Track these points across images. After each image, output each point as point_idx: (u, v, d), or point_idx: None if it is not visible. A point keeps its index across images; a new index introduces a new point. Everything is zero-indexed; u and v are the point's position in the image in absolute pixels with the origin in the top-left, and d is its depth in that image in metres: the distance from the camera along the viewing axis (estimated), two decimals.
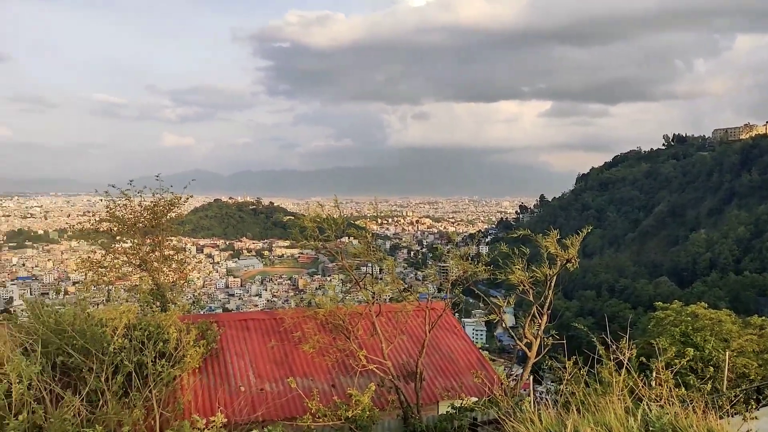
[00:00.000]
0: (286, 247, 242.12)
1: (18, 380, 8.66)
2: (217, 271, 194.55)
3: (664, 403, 6.41)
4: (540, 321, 10.97)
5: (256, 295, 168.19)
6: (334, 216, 11.61)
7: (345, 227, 11.66)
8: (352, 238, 12.75)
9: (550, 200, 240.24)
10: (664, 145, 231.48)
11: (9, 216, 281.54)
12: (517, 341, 11.00)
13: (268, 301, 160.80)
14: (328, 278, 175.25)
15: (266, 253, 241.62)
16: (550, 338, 10.96)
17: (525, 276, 10.81)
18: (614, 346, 8.03)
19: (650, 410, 5.78)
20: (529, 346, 10.96)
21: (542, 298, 10.94)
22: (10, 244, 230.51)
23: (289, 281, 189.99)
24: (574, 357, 9.19)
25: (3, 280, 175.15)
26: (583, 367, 8.40)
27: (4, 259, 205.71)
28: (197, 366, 11.31)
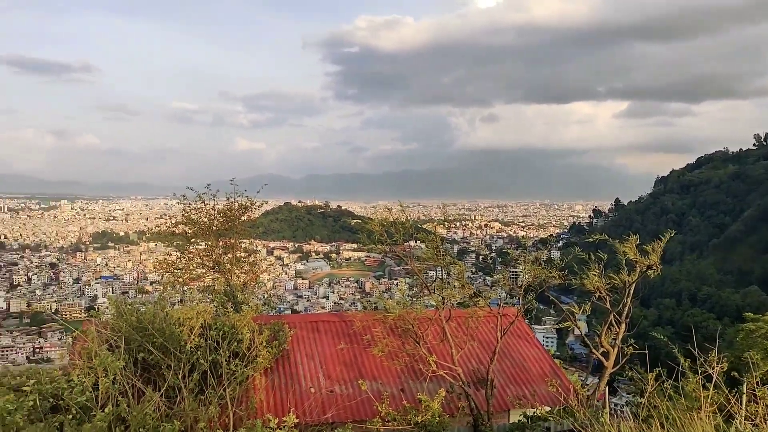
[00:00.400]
0: (353, 250, 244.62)
1: (104, 374, 9.16)
2: (286, 273, 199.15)
3: (760, 422, 6.01)
4: (618, 329, 10.55)
5: (324, 297, 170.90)
6: (402, 220, 11.63)
7: (413, 231, 11.66)
8: (419, 242, 12.74)
9: (625, 204, 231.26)
10: (754, 145, 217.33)
11: (94, 218, 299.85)
12: (593, 350, 10.63)
13: (335, 303, 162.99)
14: (395, 282, 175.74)
15: (334, 255, 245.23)
16: (630, 348, 10.52)
17: (602, 282, 10.42)
18: (702, 359, 7.59)
19: (743, 429, 5.43)
20: (606, 355, 10.56)
21: (620, 306, 10.51)
22: (95, 245, 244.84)
23: (356, 284, 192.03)
24: (655, 369, 8.80)
25: (88, 279, 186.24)
26: (667, 380, 8.00)
27: (89, 259, 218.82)
28: (269, 366, 11.59)
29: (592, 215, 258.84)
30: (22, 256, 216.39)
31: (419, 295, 13.10)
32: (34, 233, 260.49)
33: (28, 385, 8.87)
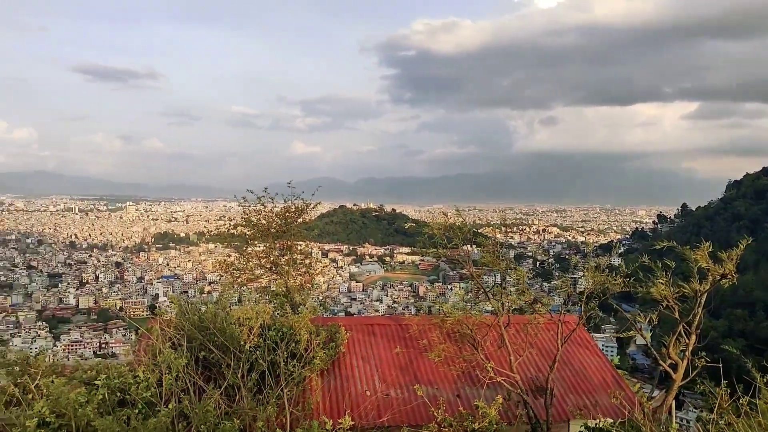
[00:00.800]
0: (407, 254, 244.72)
1: (168, 371, 9.48)
2: (340, 276, 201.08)
3: None
4: (687, 341, 10.11)
5: (377, 300, 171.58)
6: (459, 223, 11.54)
7: (471, 235, 11.55)
8: (476, 247, 12.61)
9: (693, 209, 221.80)
10: None
11: (157, 220, 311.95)
12: (661, 361, 10.22)
13: (388, 306, 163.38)
14: (449, 286, 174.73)
15: (387, 259, 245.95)
16: (701, 360, 10.07)
17: (670, 291, 10.02)
18: None
19: None
20: (674, 367, 10.14)
21: (690, 316, 10.07)
22: (157, 246, 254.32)
23: (409, 288, 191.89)
24: (725, 383, 8.38)
25: (151, 278, 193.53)
26: (743, 396, 7.60)
27: (152, 259, 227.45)
28: (325, 368, 11.72)
29: (657, 221, 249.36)
30: (90, 255, 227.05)
31: (476, 300, 12.96)
32: (101, 233, 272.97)
33: (98, 380, 9.26)
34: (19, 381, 9.39)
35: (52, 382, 8.95)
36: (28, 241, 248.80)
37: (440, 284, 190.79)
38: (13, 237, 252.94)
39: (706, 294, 9.95)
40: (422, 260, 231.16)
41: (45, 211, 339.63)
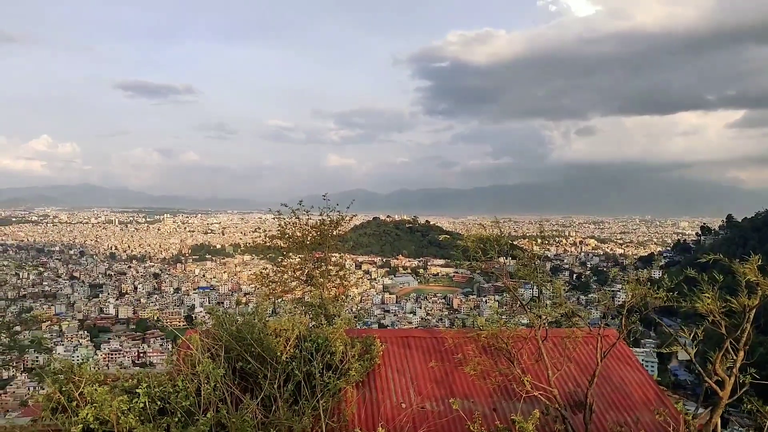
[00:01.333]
0: (441, 266, 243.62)
1: (206, 381, 9.65)
2: (373, 288, 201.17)
3: None
4: (735, 357, 9.79)
5: (411, 313, 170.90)
6: (495, 235, 11.47)
7: (508, 247, 11.47)
8: (512, 259, 12.50)
9: (739, 220, 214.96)
10: None
11: (194, 232, 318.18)
12: (706, 378, 9.92)
13: (422, 318, 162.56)
14: (484, 299, 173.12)
15: (421, 271, 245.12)
16: (749, 377, 9.74)
17: (716, 306, 9.73)
18: None
19: None
20: (721, 384, 9.83)
21: (738, 332, 9.76)
22: (194, 257, 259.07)
23: (443, 300, 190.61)
24: None
25: (187, 289, 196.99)
26: None
27: (188, 270, 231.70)
28: (361, 380, 11.74)
29: (700, 232, 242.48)
30: (129, 266, 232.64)
31: (512, 313, 12.84)
32: (140, 245, 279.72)
33: (139, 388, 9.48)
34: (64, 389, 9.67)
35: (96, 390, 9.22)
36: (71, 252, 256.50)
37: (475, 297, 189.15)
38: (57, 248, 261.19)
39: (755, 309, 9.63)
40: (456, 272, 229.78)
41: (87, 223, 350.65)
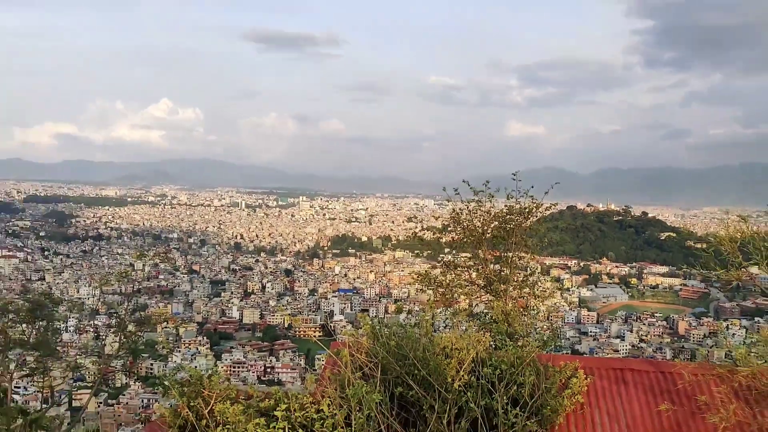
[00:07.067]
0: (663, 275, 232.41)
1: (358, 408, 10.01)
2: (566, 301, 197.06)
3: None
4: None
5: (618, 337, 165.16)
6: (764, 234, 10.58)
7: None
8: None
9: None
10: None
11: (334, 219, 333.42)
12: None
13: (633, 346, 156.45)
14: (725, 323, 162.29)
15: (634, 281, 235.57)
16: None
17: None
18: None
19: None
20: None
21: None
22: (334, 251, 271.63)
23: (664, 322, 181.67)
24: None
25: (325, 291, 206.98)
26: None
27: (326, 268, 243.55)
28: (557, 422, 11.52)
29: None
30: (257, 260, 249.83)
31: None
32: (270, 234, 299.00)
33: (277, 410, 10.10)
34: (192, 404, 10.58)
35: (228, 409, 9.98)
36: (191, 240, 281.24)
37: (710, 320, 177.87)
38: (175, 235, 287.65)
39: None
40: (685, 285, 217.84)
41: (209, 205, 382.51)
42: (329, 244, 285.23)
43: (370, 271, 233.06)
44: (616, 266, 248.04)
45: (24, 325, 19.78)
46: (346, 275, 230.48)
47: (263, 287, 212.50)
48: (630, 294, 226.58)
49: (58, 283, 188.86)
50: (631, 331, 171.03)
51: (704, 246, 12.17)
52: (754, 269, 11.55)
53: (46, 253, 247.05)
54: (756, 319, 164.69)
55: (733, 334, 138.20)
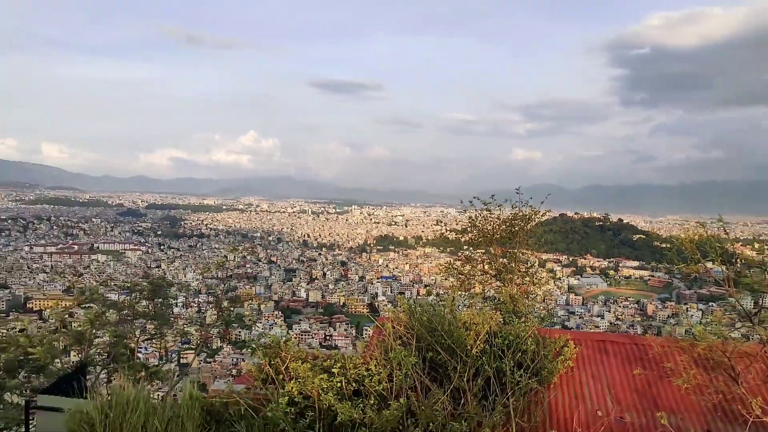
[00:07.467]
0: (635, 268, 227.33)
1: (398, 368, 10.01)
2: (558, 287, 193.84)
3: None
4: None
5: (598, 316, 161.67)
6: (716, 236, 10.29)
7: (733, 252, 10.20)
8: (728, 265, 11.16)
9: None
10: None
11: (378, 223, 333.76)
12: None
13: (610, 323, 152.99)
14: (685, 306, 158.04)
15: (611, 272, 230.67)
16: None
17: None
18: None
19: None
20: None
21: None
22: (378, 247, 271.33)
23: (636, 305, 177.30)
24: None
25: (371, 278, 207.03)
26: None
27: (372, 260, 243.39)
28: (552, 382, 11.34)
29: None
30: (319, 254, 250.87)
31: (731, 325, 11.50)
32: (329, 234, 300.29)
33: (334, 368, 10.14)
34: (272, 362, 10.68)
35: (300, 366, 10.05)
36: (270, 238, 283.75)
37: (673, 303, 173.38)
38: (259, 234, 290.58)
39: None
40: (652, 276, 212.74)
41: (284, 212, 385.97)
42: (374, 242, 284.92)
43: (406, 263, 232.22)
44: (598, 261, 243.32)
45: (146, 301, 20.12)
46: (387, 266, 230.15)
47: (324, 274, 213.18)
48: (608, 282, 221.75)
49: (170, 270, 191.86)
50: (609, 312, 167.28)
51: (668, 246, 11.93)
52: (709, 264, 11.26)
53: (162, 247, 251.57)
54: (710, 303, 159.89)
55: (692, 315, 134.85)
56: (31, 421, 10.11)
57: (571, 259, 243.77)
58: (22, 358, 13.24)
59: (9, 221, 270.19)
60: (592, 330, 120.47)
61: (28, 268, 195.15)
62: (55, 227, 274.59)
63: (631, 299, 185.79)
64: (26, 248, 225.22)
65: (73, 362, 15.08)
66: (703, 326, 11.21)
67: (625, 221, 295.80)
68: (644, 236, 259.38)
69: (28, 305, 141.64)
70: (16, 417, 12.38)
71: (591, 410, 11.02)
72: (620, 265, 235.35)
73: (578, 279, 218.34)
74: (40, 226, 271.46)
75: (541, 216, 18.03)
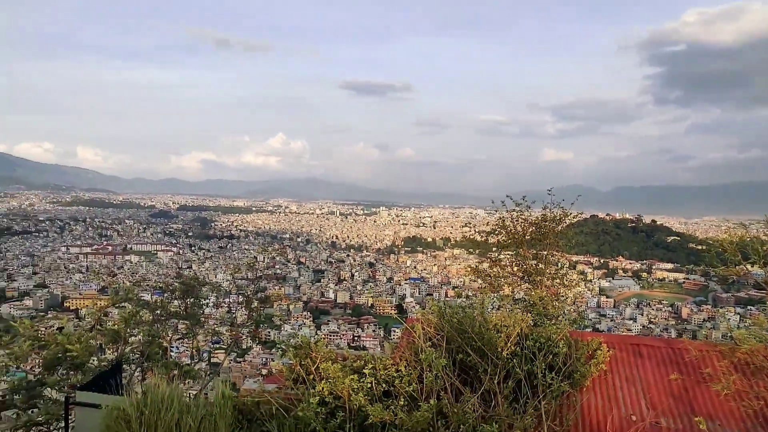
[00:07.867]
0: (669, 270, 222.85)
1: (428, 369, 9.98)
2: (589, 290, 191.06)
3: None
4: None
5: (630, 319, 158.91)
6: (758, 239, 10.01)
7: None
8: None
9: None
10: None
11: (406, 224, 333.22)
12: None
13: (643, 326, 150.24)
14: (722, 309, 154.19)
15: (644, 274, 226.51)
16: None
17: None
18: None
19: None
20: None
21: None
22: (406, 249, 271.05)
23: (669, 308, 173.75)
24: None
25: (399, 279, 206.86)
26: None
27: (400, 261, 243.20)
28: (585, 385, 11.18)
29: None
30: (348, 255, 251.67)
31: None
32: (357, 235, 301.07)
33: (365, 369, 10.16)
34: (303, 362, 10.74)
35: (330, 367, 10.09)
36: (299, 239, 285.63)
37: (709, 307, 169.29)
38: (287, 236, 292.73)
39: None
40: (687, 278, 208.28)
41: (312, 213, 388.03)
42: (402, 243, 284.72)
43: (434, 265, 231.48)
44: (630, 263, 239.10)
45: (178, 301, 20.38)
46: (415, 267, 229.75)
47: (352, 275, 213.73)
48: (641, 285, 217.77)
49: (201, 271, 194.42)
50: (642, 315, 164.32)
51: (705, 247, 11.69)
52: (750, 267, 10.97)
53: (193, 248, 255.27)
54: (748, 307, 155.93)
55: (729, 319, 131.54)
56: (70, 416, 10.39)
57: (602, 261, 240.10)
58: (60, 355, 13.57)
59: (47, 222, 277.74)
60: (624, 333, 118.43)
61: (65, 268, 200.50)
62: (90, 228, 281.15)
63: (664, 302, 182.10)
64: (63, 249, 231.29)
65: (109, 360, 15.40)
66: (746, 330, 10.91)
67: (658, 223, 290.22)
68: (678, 238, 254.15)
69: (65, 304, 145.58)
70: (55, 412, 12.71)
71: (625, 414, 10.83)
72: (653, 267, 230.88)
73: (610, 281, 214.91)
74: (76, 227, 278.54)
75: (573, 218, 17.80)
